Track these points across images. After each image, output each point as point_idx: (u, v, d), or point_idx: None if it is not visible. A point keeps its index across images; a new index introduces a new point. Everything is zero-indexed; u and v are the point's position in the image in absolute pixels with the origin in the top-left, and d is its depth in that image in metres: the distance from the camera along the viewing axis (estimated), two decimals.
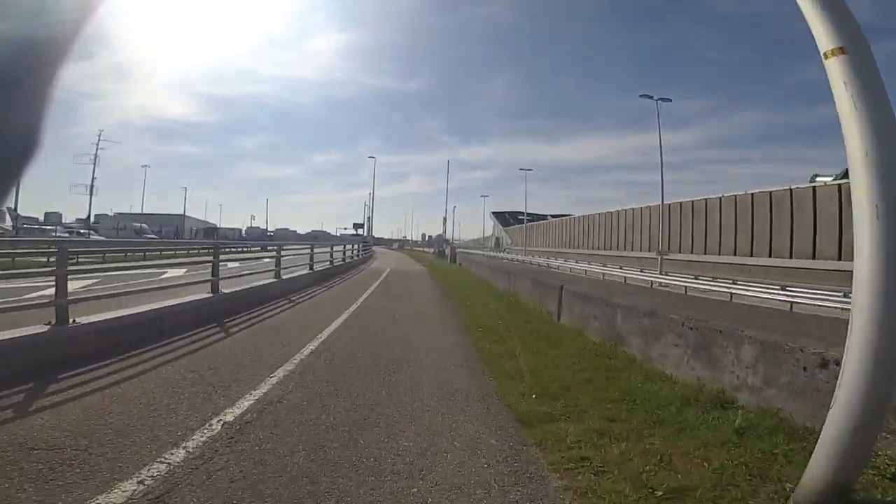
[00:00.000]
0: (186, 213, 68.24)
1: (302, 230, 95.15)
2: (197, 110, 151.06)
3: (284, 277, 11.46)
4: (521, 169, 44.47)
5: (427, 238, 53.82)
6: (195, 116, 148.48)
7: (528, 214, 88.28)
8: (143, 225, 48.02)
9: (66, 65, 0.58)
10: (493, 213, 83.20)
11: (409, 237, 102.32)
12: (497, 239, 75.06)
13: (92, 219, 45.43)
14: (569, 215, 66.46)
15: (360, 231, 68.15)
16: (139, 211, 60.45)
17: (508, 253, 50.67)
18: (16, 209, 33.95)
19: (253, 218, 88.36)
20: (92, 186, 40.95)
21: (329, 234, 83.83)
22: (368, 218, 57.60)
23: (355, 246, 29.05)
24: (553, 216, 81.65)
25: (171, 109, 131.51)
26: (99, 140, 41.50)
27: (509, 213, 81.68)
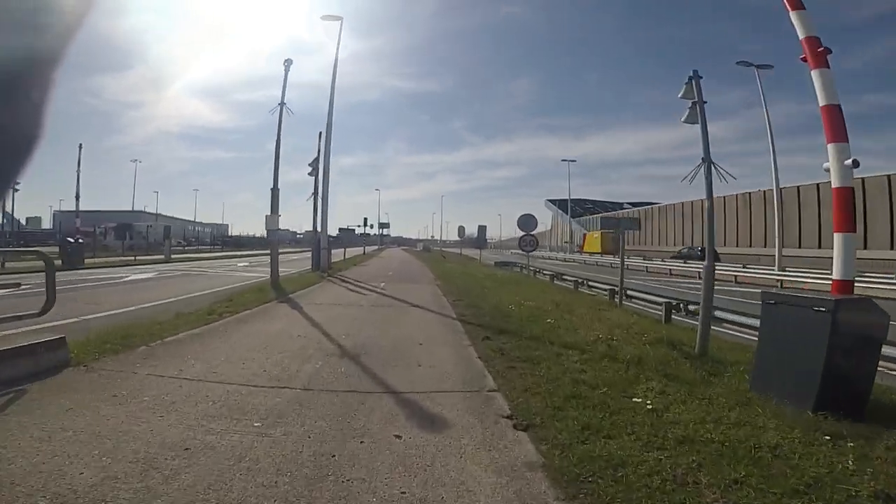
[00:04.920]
0: (187, 216, 63.78)
1: (331, 230, 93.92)
2: (228, 117, 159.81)
3: None
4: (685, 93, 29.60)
5: (468, 235, 31.97)
6: (228, 123, 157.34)
7: (595, 203, 72.95)
8: None
9: (60, 69, 0.58)
10: (550, 200, 69.90)
11: (437, 237, 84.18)
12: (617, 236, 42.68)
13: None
14: (654, 203, 52.02)
15: (385, 231, 52.59)
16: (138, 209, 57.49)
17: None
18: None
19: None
20: None
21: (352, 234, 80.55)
22: (320, 177, 18.66)
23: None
24: (630, 204, 68.08)
25: (205, 117, 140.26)
26: None
27: (574, 200, 63.12)
